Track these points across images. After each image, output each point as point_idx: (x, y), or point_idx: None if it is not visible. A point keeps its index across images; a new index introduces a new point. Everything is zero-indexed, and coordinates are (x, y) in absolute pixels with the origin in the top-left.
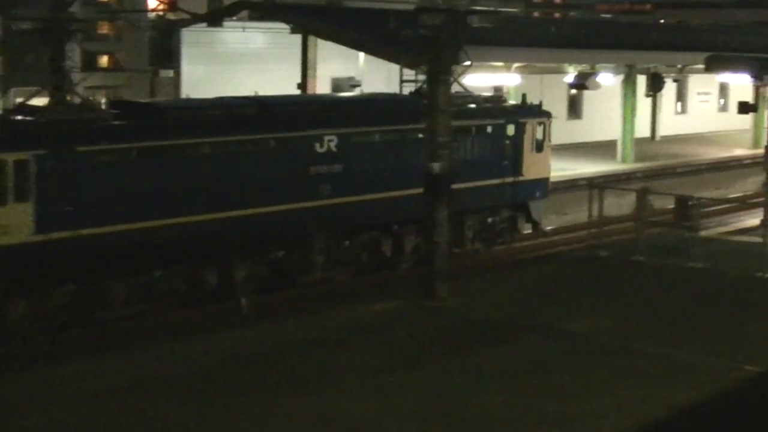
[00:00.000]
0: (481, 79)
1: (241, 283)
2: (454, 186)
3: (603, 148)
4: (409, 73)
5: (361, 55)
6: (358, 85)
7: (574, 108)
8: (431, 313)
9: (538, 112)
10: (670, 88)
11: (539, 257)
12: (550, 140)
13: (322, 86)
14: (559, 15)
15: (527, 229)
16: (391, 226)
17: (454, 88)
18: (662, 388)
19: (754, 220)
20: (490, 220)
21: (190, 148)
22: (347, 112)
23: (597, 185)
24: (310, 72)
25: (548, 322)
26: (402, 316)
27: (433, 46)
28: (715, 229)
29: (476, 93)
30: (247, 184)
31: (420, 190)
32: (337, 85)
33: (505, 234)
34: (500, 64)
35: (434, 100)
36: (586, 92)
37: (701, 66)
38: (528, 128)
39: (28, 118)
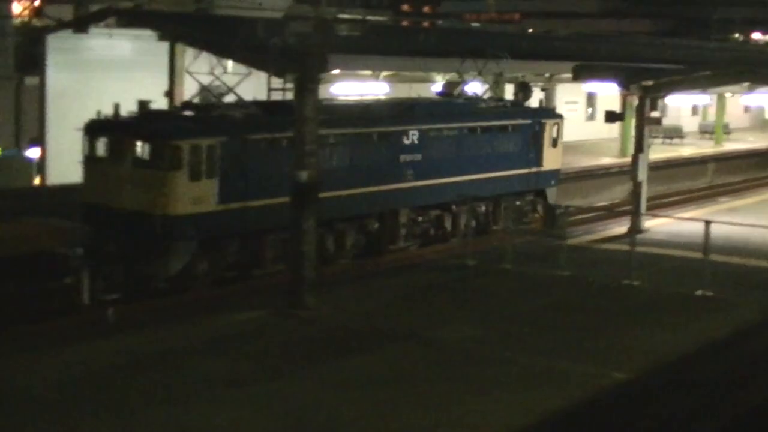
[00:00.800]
0: (349, 87)
1: (351, 249)
2: (496, 174)
3: None
4: (277, 82)
5: (230, 63)
6: (226, 93)
7: None
8: (299, 322)
9: (553, 114)
10: (538, 96)
11: (408, 266)
12: (562, 138)
13: (190, 94)
14: (428, 24)
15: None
16: (451, 206)
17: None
18: (529, 396)
19: (621, 228)
20: (518, 202)
21: (321, 139)
22: (424, 111)
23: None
24: (177, 79)
25: (416, 331)
26: (269, 325)
27: (300, 55)
28: (582, 237)
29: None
30: (356, 169)
31: (473, 177)
32: (205, 93)
33: (529, 215)
34: (368, 72)
35: (302, 109)
36: None
37: (569, 75)
38: (547, 127)
39: (201, 113)
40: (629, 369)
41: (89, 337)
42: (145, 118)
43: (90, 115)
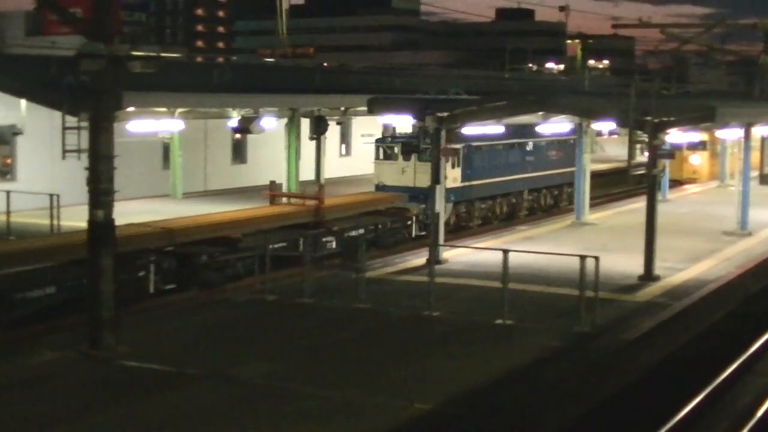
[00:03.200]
0: (143, 125)
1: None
2: (559, 170)
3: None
4: (72, 120)
5: (23, 102)
6: (20, 133)
7: (239, 152)
8: (98, 362)
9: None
10: (334, 130)
11: (208, 302)
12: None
13: None
14: (222, 60)
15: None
16: (542, 189)
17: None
18: (329, 430)
19: (419, 259)
20: (569, 190)
21: (493, 146)
22: (531, 129)
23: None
24: None
25: (215, 369)
26: (67, 366)
27: (93, 93)
28: (381, 269)
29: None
30: (508, 164)
31: (551, 172)
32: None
33: (563, 202)
34: (164, 109)
35: (96, 147)
36: (250, 136)
37: (365, 108)
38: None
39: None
40: (431, 399)
41: None
42: (421, 134)
43: None
